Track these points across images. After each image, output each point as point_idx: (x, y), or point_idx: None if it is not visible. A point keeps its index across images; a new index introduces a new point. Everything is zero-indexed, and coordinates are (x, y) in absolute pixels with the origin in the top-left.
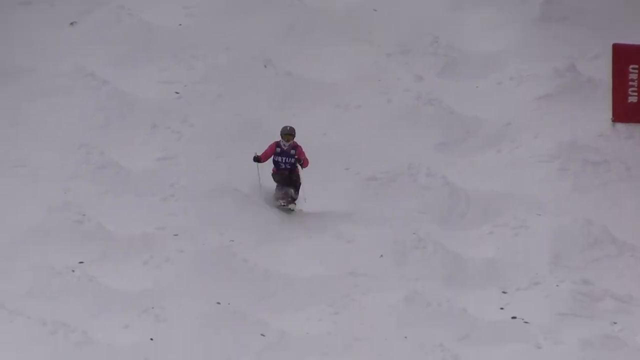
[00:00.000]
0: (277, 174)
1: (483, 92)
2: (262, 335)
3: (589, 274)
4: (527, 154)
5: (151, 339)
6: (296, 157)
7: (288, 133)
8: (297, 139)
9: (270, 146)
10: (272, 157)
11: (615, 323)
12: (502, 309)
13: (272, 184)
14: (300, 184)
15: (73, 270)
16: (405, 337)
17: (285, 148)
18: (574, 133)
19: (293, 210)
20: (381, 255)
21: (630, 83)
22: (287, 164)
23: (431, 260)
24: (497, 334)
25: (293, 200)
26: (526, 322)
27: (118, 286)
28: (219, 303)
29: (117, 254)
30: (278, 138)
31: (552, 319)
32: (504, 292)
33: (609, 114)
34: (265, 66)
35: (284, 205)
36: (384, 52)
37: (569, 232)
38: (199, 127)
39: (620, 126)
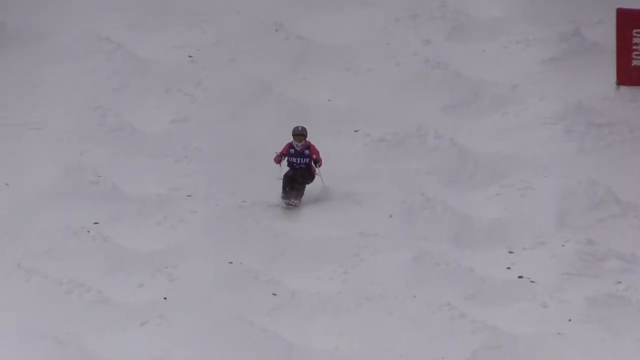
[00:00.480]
0: (290, 178)
1: (490, 56)
2: (273, 294)
3: (594, 234)
4: (533, 116)
5: (165, 298)
6: (313, 157)
7: (300, 133)
8: (307, 103)
9: (284, 147)
10: (287, 158)
11: (619, 282)
12: (508, 268)
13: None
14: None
15: (88, 231)
16: (414, 296)
17: (298, 149)
18: (579, 96)
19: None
20: (390, 216)
21: (634, 47)
22: (301, 164)
23: (439, 220)
24: (504, 293)
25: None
26: (532, 282)
27: (132, 246)
28: (231, 263)
29: (132, 214)
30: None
31: (557, 278)
32: (510, 252)
33: (613, 77)
34: (276, 30)
35: (293, 205)
36: (393, 17)
37: (574, 193)
38: (211, 90)
39: (624, 89)
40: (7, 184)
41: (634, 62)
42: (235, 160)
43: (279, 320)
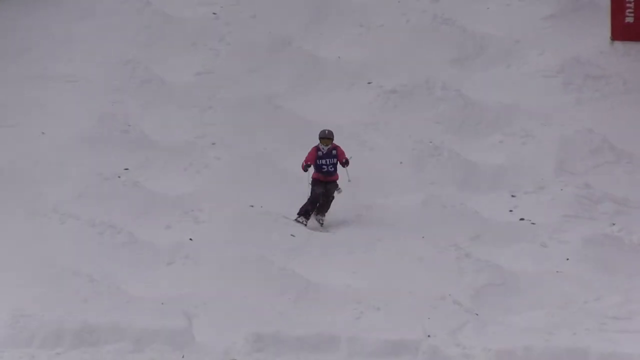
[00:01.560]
0: (317, 182)
1: (494, 13)
2: (292, 235)
3: (590, 179)
4: (534, 69)
5: (190, 239)
6: (342, 160)
7: (327, 137)
8: (324, 57)
9: (310, 152)
10: (315, 161)
11: (614, 224)
12: (511, 211)
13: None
14: (333, 197)
15: (119, 176)
16: (423, 237)
17: (325, 152)
18: (577, 50)
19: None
20: (401, 162)
21: (628, 5)
22: (329, 166)
23: (446, 166)
24: (506, 234)
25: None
26: (533, 223)
27: (160, 190)
28: (252, 206)
29: (160, 161)
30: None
31: (556, 220)
32: (512, 196)
33: (608, 33)
34: None
35: (301, 222)
36: None
37: (572, 140)
38: (234, 45)
39: (618, 44)
40: (43, 133)
41: (627, 19)
42: (256, 110)
43: (297, 259)
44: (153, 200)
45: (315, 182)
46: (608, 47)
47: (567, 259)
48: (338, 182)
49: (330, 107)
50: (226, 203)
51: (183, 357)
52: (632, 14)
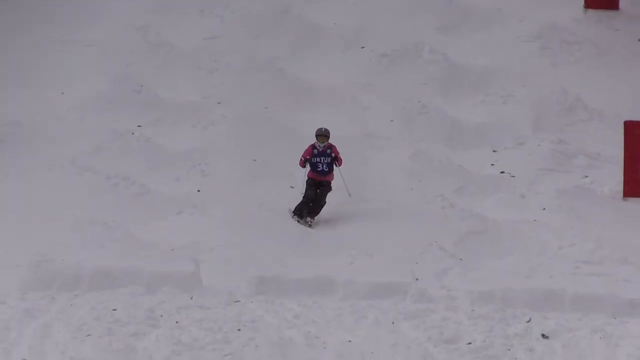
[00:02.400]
0: (312, 182)
1: None
2: (291, 187)
3: (565, 136)
4: (514, 35)
5: (198, 191)
6: (333, 155)
7: (323, 134)
8: (321, 23)
9: (307, 149)
10: (310, 159)
11: (586, 176)
12: (492, 165)
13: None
14: (325, 202)
15: (133, 133)
16: (411, 189)
17: (321, 149)
18: (553, 18)
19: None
20: (391, 120)
21: None
22: (324, 164)
23: (433, 124)
24: (488, 186)
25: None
26: (512, 176)
27: (170, 146)
28: (255, 160)
29: (170, 118)
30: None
31: (533, 173)
32: (494, 151)
33: (581, 2)
34: None
35: (303, 223)
36: None
37: (548, 100)
38: (238, 12)
39: (591, 12)
40: (62, 93)
41: None
42: (259, 72)
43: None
44: (164, 154)
45: (309, 181)
46: (581, 15)
47: (544, 209)
48: (348, 188)
49: (326, 70)
50: (231, 158)
51: (191, 298)
52: None
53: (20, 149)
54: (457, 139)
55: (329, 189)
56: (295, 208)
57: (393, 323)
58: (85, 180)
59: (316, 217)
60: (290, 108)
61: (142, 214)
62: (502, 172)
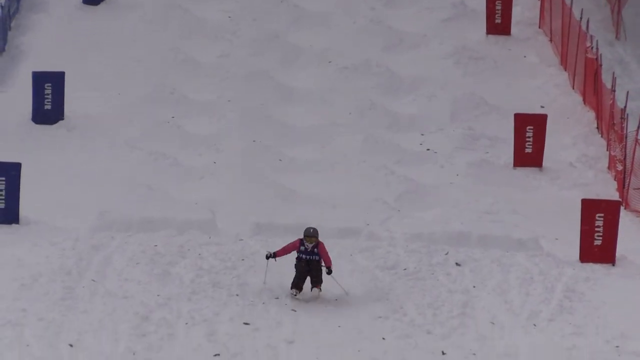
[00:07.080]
0: (301, 264)
1: (409, 16)
2: (279, 160)
3: (473, 124)
4: (436, 53)
5: (214, 162)
6: (327, 266)
7: (312, 235)
8: (300, 47)
9: (293, 243)
10: (296, 252)
11: (487, 152)
12: (421, 144)
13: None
14: (321, 281)
15: (168, 122)
16: (364, 162)
17: (309, 249)
18: (464, 41)
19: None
20: (350, 113)
21: (496, 11)
22: (313, 256)
23: (379, 116)
24: (418, 159)
25: (319, 284)
26: (435, 152)
27: (194, 131)
28: (254, 141)
29: (194, 112)
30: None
31: (450, 150)
32: (422, 135)
33: (484, 30)
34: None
35: (294, 295)
36: None
37: (461, 99)
38: (242, 37)
39: (491, 36)
40: (119, 94)
41: (496, 20)
42: (257, 80)
43: (284, 175)
44: (190, 137)
45: (298, 260)
46: (484, 39)
47: (457, 175)
48: (343, 287)
49: (304, 78)
50: (237, 139)
51: (209, 238)
52: (500, 17)
53: (89, 133)
54: (396, 126)
55: (320, 264)
56: (292, 283)
57: (351, 255)
58: (134, 155)
59: (298, 182)
60: (279, 105)
61: (174, 179)
62: (428, 150)
